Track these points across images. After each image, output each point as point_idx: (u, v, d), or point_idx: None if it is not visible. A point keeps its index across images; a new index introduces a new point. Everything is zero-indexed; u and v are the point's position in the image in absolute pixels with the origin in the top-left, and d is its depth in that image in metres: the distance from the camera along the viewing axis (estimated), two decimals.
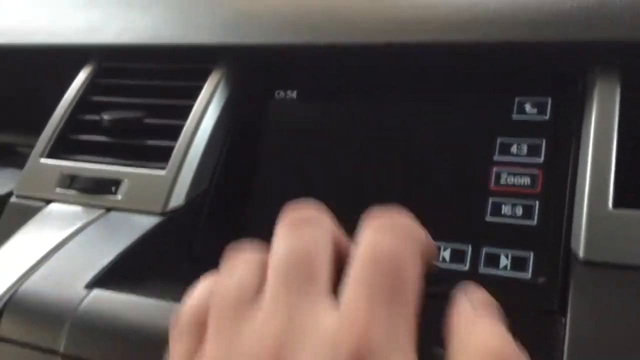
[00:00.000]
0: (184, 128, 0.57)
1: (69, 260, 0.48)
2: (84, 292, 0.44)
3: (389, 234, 0.23)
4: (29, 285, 0.46)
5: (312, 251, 0.24)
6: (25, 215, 0.56)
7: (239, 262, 0.26)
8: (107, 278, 0.46)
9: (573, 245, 0.42)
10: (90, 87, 0.65)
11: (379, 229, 0.24)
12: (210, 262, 0.55)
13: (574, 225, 0.43)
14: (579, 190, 0.44)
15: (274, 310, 0.22)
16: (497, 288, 0.47)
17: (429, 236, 0.25)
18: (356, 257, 0.23)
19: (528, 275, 0.48)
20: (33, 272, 0.47)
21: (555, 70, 0.52)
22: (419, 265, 0.23)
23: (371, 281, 0.22)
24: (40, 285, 0.46)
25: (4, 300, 0.45)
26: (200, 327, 0.24)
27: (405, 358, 0.21)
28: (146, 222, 0.52)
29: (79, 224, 0.53)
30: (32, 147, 0.62)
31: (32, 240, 0.52)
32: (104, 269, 0.47)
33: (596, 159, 0.44)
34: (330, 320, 0.21)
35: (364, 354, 0.20)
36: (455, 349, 0.22)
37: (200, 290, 0.26)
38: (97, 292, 0.44)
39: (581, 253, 0.40)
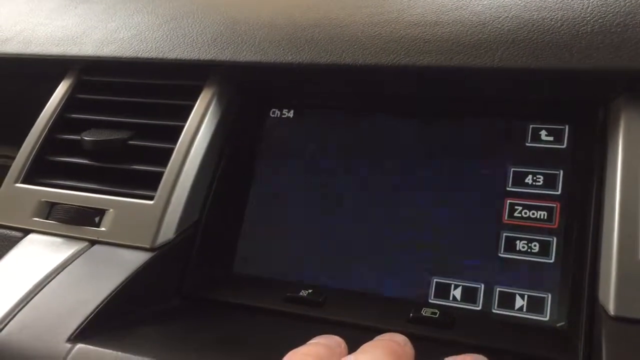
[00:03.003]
0: (174, 152, 0.52)
1: (49, 305, 0.44)
2: (66, 346, 0.40)
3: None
4: (5, 336, 0.42)
5: None
6: None
7: None
8: (92, 327, 0.42)
9: (601, 297, 0.39)
10: (69, 103, 0.60)
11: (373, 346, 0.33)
12: (201, 298, 0.52)
13: (602, 275, 0.40)
14: (606, 234, 0.41)
15: None
16: (512, 331, 0.45)
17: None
18: None
19: (545, 318, 0.45)
20: (10, 320, 0.43)
21: (572, 97, 0.49)
22: None
23: None
24: (18, 337, 0.42)
25: None
26: None
27: None
28: (134, 259, 0.48)
29: (60, 260, 0.48)
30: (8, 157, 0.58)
31: (8, 279, 0.47)
32: (88, 316, 0.42)
33: (625, 203, 0.40)
34: None
35: None
36: None
37: None
38: (80, 348, 0.40)
39: (612, 309, 0.37)
